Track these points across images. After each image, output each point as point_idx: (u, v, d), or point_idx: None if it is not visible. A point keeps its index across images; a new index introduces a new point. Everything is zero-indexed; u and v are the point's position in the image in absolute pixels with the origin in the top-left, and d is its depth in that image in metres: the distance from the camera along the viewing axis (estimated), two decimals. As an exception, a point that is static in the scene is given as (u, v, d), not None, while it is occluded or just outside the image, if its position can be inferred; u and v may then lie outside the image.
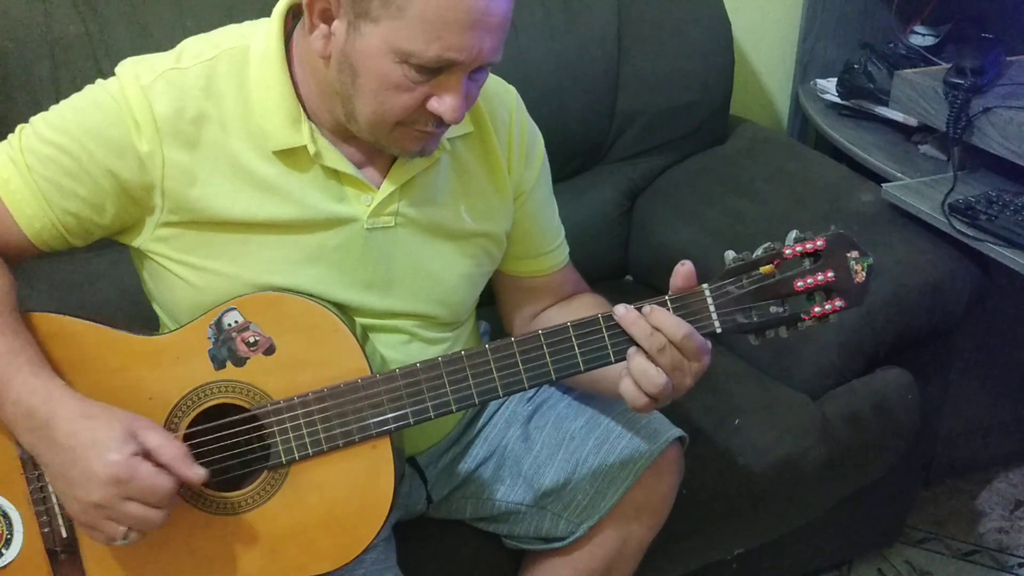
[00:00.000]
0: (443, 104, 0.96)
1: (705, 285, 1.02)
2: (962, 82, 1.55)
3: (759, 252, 1.02)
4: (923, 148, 1.77)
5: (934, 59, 1.85)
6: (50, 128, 1.01)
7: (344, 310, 1.09)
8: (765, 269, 1.01)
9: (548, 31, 1.72)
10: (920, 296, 1.50)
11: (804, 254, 1.01)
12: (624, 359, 1.01)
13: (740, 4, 1.99)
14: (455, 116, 0.97)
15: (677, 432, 1.22)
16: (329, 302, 1.06)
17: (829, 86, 1.95)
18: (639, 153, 1.86)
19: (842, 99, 1.90)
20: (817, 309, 1.02)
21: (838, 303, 1.02)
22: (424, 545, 1.18)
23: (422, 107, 0.97)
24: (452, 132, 1.11)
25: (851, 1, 2.03)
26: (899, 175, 1.68)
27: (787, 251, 1.01)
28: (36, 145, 1.01)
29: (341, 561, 1.03)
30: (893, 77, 1.71)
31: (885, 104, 1.79)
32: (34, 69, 1.41)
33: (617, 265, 1.89)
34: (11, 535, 0.99)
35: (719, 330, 1.02)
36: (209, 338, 1.01)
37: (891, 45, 1.91)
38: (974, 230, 1.46)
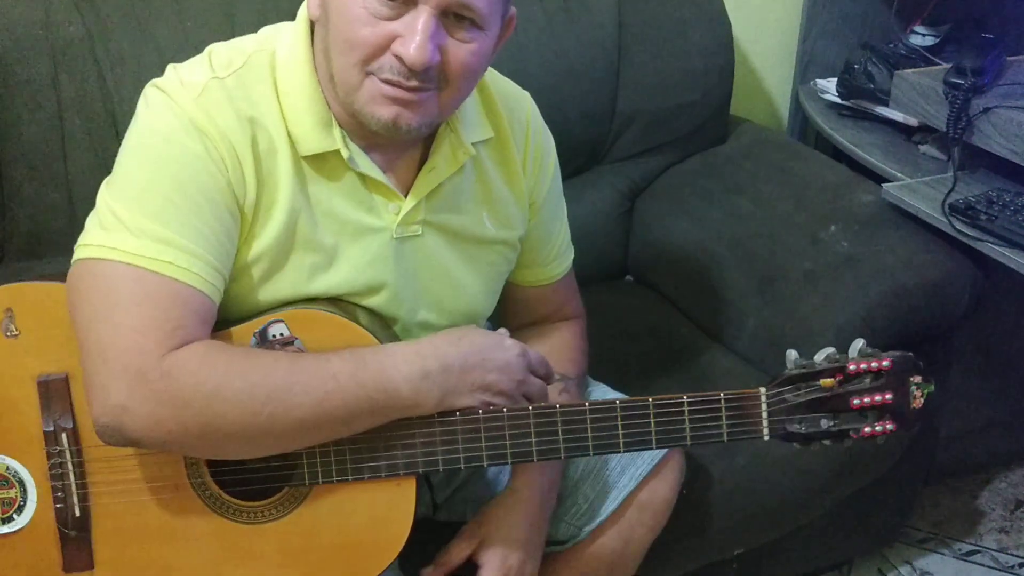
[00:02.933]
0: (404, 45, 0.91)
1: (762, 389, 1.00)
2: (962, 82, 1.55)
3: (821, 360, 1.00)
4: (923, 148, 1.77)
5: (934, 59, 1.85)
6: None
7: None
8: (826, 382, 0.99)
9: (548, 31, 1.72)
10: (920, 296, 1.49)
11: (868, 371, 0.99)
12: (666, 448, 1.04)
13: (740, 4, 1.99)
14: (417, 56, 0.90)
15: (678, 434, 1.21)
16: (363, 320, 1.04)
17: (829, 86, 1.95)
18: (639, 153, 1.86)
19: (842, 99, 1.90)
20: (867, 429, 1.00)
21: (889, 426, 1.00)
22: (426, 546, 1.18)
23: (386, 49, 0.93)
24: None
25: (851, 1, 2.03)
26: (899, 175, 1.68)
27: (851, 367, 0.99)
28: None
29: None
30: (893, 77, 1.71)
31: (885, 104, 1.78)
32: (34, 69, 1.41)
33: (617, 265, 1.89)
34: (24, 503, 1.00)
35: (766, 438, 1.01)
36: (252, 346, 0.99)
37: (891, 45, 1.91)
38: (974, 230, 1.46)
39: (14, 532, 1.01)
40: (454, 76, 0.96)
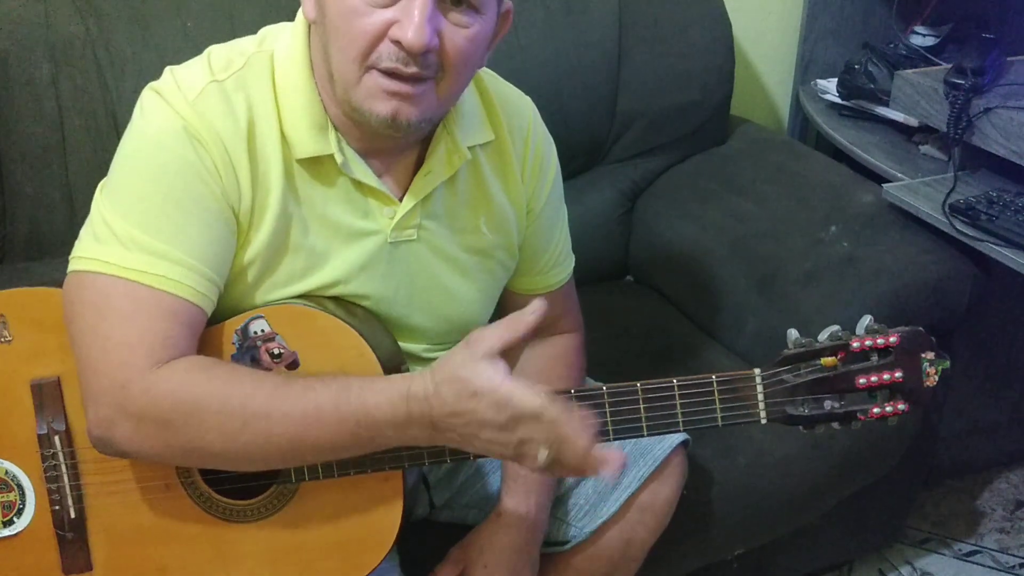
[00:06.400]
0: (402, 28, 0.89)
1: (757, 370, 0.95)
2: (962, 82, 1.55)
3: (824, 338, 0.94)
4: (923, 148, 1.77)
5: (934, 59, 1.85)
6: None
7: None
8: (827, 361, 0.93)
9: (548, 31, 1.72)
10: (920, 296, 1.50)
11: (873, 348, 0.93)
12: (657, 435, 0.97)
13: (740, 4, 1.99)
14: (416, 37, 0.88)
15: (681, 436, 1.21)
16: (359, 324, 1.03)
17: (829, 86, 1.95)
18: (639, 153, 1.86)
19: (843, 99, 1.90)
20: (877, 410, 0.94)
21: (901, 406, 0.94)
22: (427, 548, 1.18)
23: (384, 37, 0.90)
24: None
25: (852, 2, 2.03)
26: (899, 175, 1.68)
27: (855, 343, 0.93)
28: None
29: None
30: (893, 77, 1.71)
31: (885, 104, 1.79)
32: (34, 69, 1.41)
33: (617, 265, 1.89)
34: (23, 506, 1.01)
35: (764, 421, 0.95)
36: (234, 343, 0.99)
37: (891, 45, 1.91)
38: (974, 230, 1.46)
39: (15, 535, 1.01)
40: (451, 64, 0.94)
